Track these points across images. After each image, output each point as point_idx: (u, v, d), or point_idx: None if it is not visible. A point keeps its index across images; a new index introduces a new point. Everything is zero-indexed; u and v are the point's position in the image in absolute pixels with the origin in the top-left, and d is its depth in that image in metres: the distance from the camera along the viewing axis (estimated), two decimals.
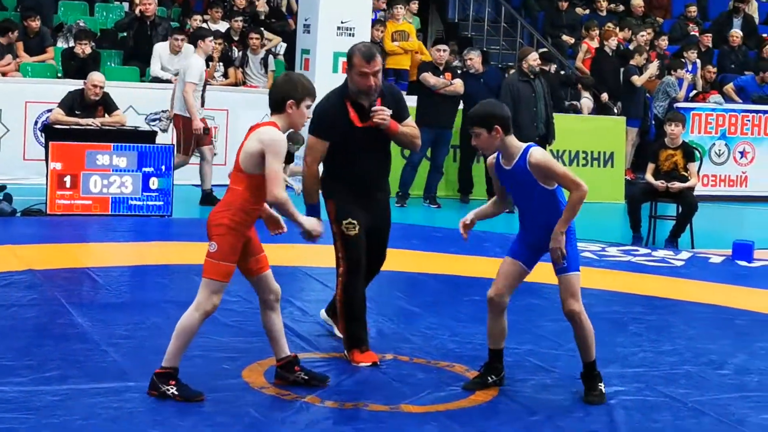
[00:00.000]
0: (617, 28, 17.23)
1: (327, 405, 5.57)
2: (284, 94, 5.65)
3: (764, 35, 19.67)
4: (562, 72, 16.57)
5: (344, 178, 6.54)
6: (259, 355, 6.43)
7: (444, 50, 14.03)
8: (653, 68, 15.87)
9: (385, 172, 6.76)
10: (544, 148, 13.67)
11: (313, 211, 6.47)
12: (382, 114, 6.42)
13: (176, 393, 5.53)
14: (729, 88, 17.14)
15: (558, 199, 5.78)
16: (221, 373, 6.06)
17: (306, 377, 5.89)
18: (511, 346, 6.82)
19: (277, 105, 5.67)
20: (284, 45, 16.40)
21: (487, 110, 5.81)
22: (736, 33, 18.60)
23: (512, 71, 14.88)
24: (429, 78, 13.52)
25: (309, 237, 5.79)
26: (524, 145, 5.83)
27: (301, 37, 14.69)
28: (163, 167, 11.72)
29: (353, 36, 14.20)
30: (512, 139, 5.82)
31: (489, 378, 6.03)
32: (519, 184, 5.80)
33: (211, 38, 13.25)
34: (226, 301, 7.77)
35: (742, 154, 16.52)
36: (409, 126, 6.67)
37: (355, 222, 6.48)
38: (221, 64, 15.41)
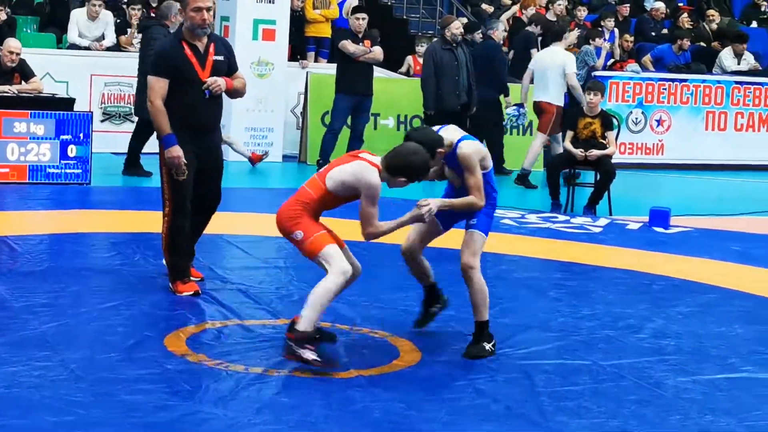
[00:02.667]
0: None
1: (252, 371, 5.57)
2: (403, 169, 5.74)
3: (681, 4, 19.93)
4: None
5: (180, 119, 6.95)
6: (182, 323, 6.42)
7: (363, 18, 13.98)
8: (572, 37, 15.97)
9: (218, 115, 7.27)
10: (466, 116, 13.79)
11: (169, 140, 6.92)
12: (217, 87, 7.00)
13: (316, 358, 5.59)
14: (647, 59, 17.33)
15: (489, 183, 6.07)
16: (144, 340, 6.03)
17: (317, 335, 5.94)
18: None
19: (391, 170, 5.75)
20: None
21: (428, 139, 5.90)
22: (660, 7, 18.78)
23: (434, 39, 14.89)
24: (348, 45, 13.50)
25: (421, 219, 6.00)
26: (458, 137, 6.08)
27: (221, 4, 14.56)
28: (82, 135, 11.59)
29: (273, 3, 14.13)
30: (449, 136, 6.05)
31: (433, 309, 6.49)
32: (454, 168, 6.08)
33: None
34: (146, 268, 7.77)
35: (659, 122, 16.73)
36: (239, 78, 7.27)
37: (185, 168, 6.94)
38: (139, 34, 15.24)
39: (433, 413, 5.13)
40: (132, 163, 12.54)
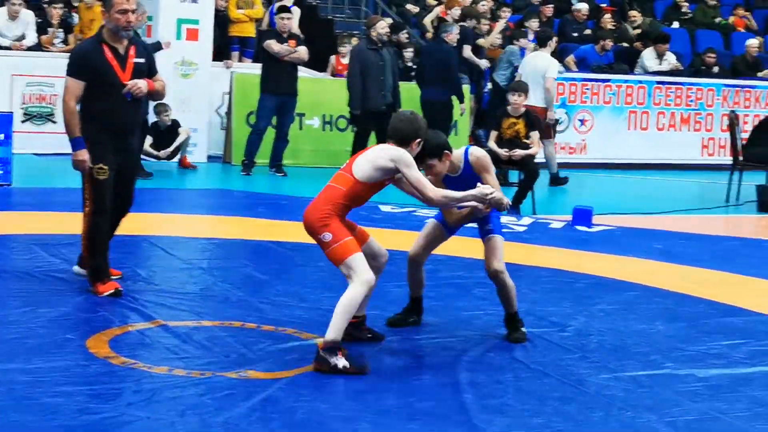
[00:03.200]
0: None
1: (174, 373, 5.53)
2: (413, 134, 5.94)
3: (603, 5, 20.12)
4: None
5: (100, 120, 6.99)
6: (104, 325, 6.35)
7: (288, 18, 13.97)
8: (496, 31, 16.06)
9: (138, 118, 7.40)
10: (391, 116, 13.76)
11: (77, 144, 6.96)
12: (138, 91, 7.03)
13: (346, 365, 5.62)
14: (570, 60, 17.48)
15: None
16: (65, 343, 5.96)
17: (369, 335, 6.30)
18: (356, 312, 6.88)
19: (404, 141, 5.94)
20: None
21: (436, 141, 6.16)
22: (583, 8, 18.94)
23: (360, 40, 14.89)
24: (273, 45, 13.46)
25: (498, 203, 6.14)
26: (462, 150, 6.44)
27: (144, 2, 14.43)
28: (2, 136, 11.44)
29: (196, 2, 14.06)
30: (454, 153, 6.31)
31: (410, 318, 6.70)
32: (465, 185, 6.17)
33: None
34: (68, 270, 7.68)
35: (582, 122, 16.90)
36: (159, 81, 7.30)
37: (106, 167, 7.01)
38: (61, 30, 15.08)
39: (357, 413, 5.12)
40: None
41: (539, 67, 14.22)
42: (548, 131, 13.85)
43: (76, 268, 7.56)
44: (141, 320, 6.53)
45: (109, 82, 6.99)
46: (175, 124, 13.67)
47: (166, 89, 7.44)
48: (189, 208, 11.16)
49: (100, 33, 7.15)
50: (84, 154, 6.96)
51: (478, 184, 6.08)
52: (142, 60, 7.15)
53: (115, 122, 7.07)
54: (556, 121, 14.88)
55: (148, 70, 7.22)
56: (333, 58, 16.31)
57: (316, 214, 5.81)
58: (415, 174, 5.82)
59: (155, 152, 13.52)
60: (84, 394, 5.13)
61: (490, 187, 6.06)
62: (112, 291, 7.05)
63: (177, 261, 8.37)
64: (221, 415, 4.98)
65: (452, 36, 14.57)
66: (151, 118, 13.35)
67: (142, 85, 7.05)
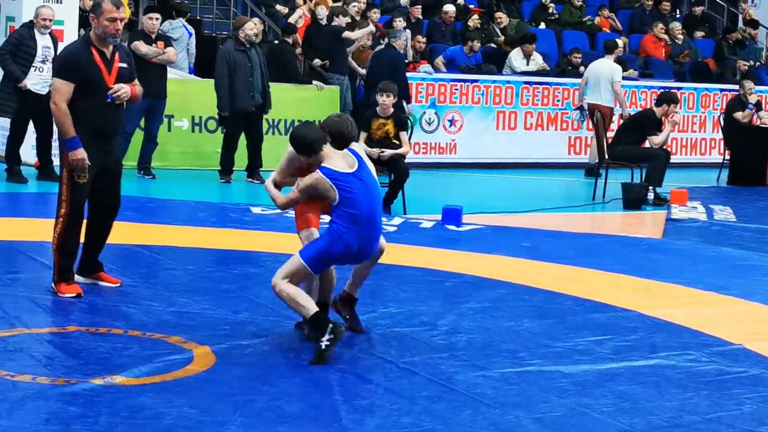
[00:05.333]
0: None
1: (38, 381, 5.42)
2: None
3: (471, 6, 20.31)
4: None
5: (84, 123, 7.06)
6: None
7: (156, 18, 13.80)
8: (370, 29, 16.09)
9: (121, 121, 7.48)
10: (261, 117, 13.78)
11: (73, 143, 7.04)
12: (124, 94, 7.18)
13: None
14: (439, 61, 17.60)
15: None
16: None
17: (348, 318, 6.66)
18: (228, 314, 6.84)
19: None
20: None
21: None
22: (450, 10, 19.08)
23: (228, 41, 14.78)
24: (141, 47, 13.28)
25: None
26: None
27: (6, 3, 14.15)
28: None
29: (61, 3, 13.79)
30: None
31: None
32: None
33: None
34: None
35: (452, 122, 17.02)
36: (137, 86, 7.44)
37: (85, 172, 7.07)
38: None
39: (226, 417, 5.08)
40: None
41: (604, 72, 16.39)
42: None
43: (78, 277, 7.50)
44: (4, 327, 6.38)
45: (96, 84, 7.12)
46: None
47: (141, 94, 7.53)
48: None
49: (88, 36, 7.31)
50: (82, 153, 7.04)
51: None
52: (125, 65, 7.32)
53: (99, 124, 7.17)
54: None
55: (130, 75, 7.38)
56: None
57: None
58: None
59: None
60: None
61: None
62: (74, 294, 7.13)
63: (39, 266, 8.20)
64: (85, 422, 4.89)
65: (400, 42, 15.17)
66: None
67: (127, 89, 7.22)
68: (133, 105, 7.71)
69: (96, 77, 7.14)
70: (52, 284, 7.27)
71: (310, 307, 6.06)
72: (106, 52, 7.21)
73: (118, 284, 7.53)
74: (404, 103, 14.52)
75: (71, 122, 7.08)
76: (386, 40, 15.30)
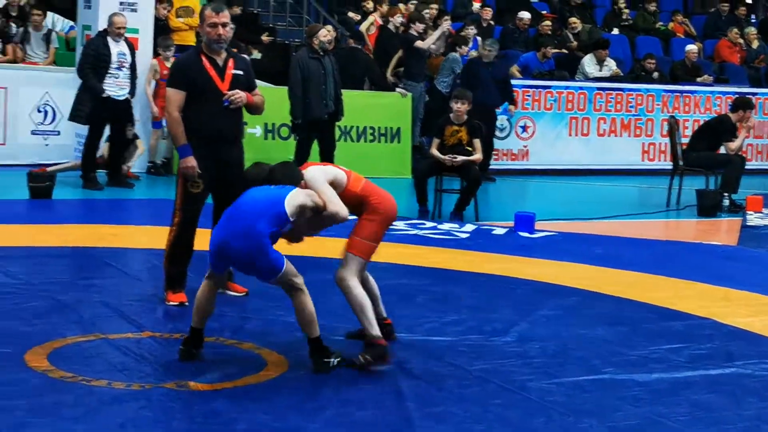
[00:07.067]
0: (402, 5, 17.45)
1: (114, 386, 5.48)
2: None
3: (544, 12, 20.23)
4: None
5: (198, 131, 7.10)
6: (42, 338, 6.27)
7: (231, 27, 13.88)
8: (442, 29, 16.08)
9: (238, 127, 7.48)
10: (334, 125, 13.83)
11: (184, 151, 7.11)
12: (238, 98, 7.15)
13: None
14: (515, 69, 17.53)
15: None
16: (2, 357, 5.88)
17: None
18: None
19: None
20: (69, 22, 16.00)
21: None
22: (525, 17, 19.03)
23: (301, 48, 14.86)
24: None
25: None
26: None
27: (83, 12, 14.35)
28: None
29: (136, 11, 13.96)
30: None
31: None
32: None
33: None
34: (5, 283, 7.60)
35: (524, 128, 16.96)
36: (258, 95, 7.42)
37: (199, 181, 7.12)
38: (0, 40, 14.94)
39: (299, 423, 5.10)
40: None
41: None
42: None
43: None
44: (80, 332, 6.47)
45: (208, 91, 7.12)
46: (134, 137, 13.54)
47: (264, 105, 7.48)
48: (133, 219, 11.08)
49: (199, 44, 7.38)
50: (192, 161, 7.09)
51: None
52: (241, 72, 7.28)
53: (214, 131, 7.17)
54: None
55: (247, 83, 7.33)
56: (156, 62, 14.60)
57: None
58: None
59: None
60: (22, 409, 5.08)
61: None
62: (177, 302, 7.18)
63: (115, 272, 8.30)
64: (160, 427, 4.94)
65: (494, 52, 15.29)
66: None
67: (241, 94, 7.18)
68: (255, 114, 7.58)
69: (206, 84, 7.14)
70: (164, 291, 7.34)
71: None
72: (217, 60, 7.22)
73: (245, 293, 7.52)
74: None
75: (183, 131, 7.11)
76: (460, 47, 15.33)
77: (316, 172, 6.04)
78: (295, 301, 5.84)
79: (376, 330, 6.00)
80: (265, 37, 16.95)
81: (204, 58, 7.22)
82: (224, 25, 7.18)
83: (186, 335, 6.05)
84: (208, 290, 5.96)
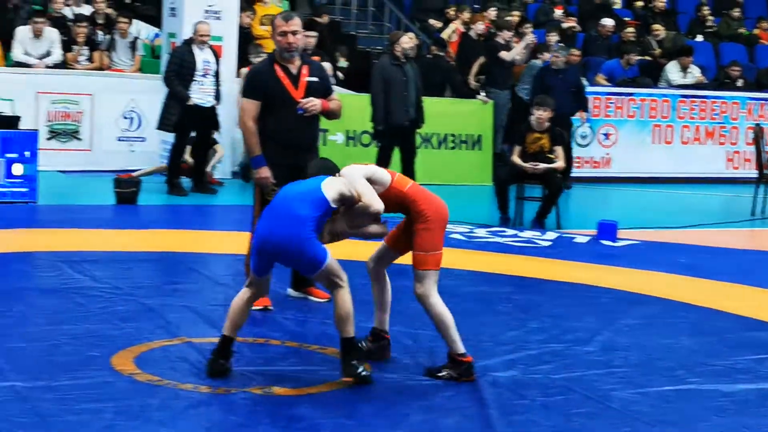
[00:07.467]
0: (484, 12, 17.44)
1: (200, 390, 5.54)
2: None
3: (626, 18, 20.08)
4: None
5: (274, 139, 7.11)
6: (129, 341, 6.36)
7: (313, 36, 13.99)
8: (527, 41, 16.03)
9: (314, 135, 7.42)
10: (415, 131, 13.86)
11: (258, 162, 7.18)
12: (312, 107, 7.13)
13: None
14: (600, 77, 17.41)
15: None
16: (90, 360, 5.97)
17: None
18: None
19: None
20: (154, 30, 16.21)
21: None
22: (608, 24, 18.91)
23: (383, 56, 14.91)
24: None
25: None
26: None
27: (168, 20, 14.54)
28: (28, 153, 11.51)
29: (220, 19, 14.11)
30: None
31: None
32: None
33: None
34: (93, 287, 7.71)
35: (606, 136, 16.85)
36: (334, 101, 7.38)
37: (276, 189, 6.97)
38: (86, 48, 15.17)
39: (382, 429, 5.12)
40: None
41: None
42: None
43: (291, 291, 7.66)
44: (166, 336, 6.55)
45: (282, 100, 7.14)
46: (213, 141, 13.72)
47: (341, 110, 7.45)
48: (217, 224, 11.19)
49: (272, 53, 7.38)
50: (266, 171, 7.15)
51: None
52: (315, 79, 7.28)
53: (289, 139, 7.19)
54: None
55: (323, 90, 7.33)
56: (246, 70, 15.47)
57: None
58: None
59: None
60: (110, 411, 5.15)
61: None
62: (261, 307, 7.19)
63: (200, 276, 8.39)
64: None
65: (562, 58, 15.11)
66: None
67: (316, 102, 7.17)
68: (332, 119, 7.55)
69: (280, 93, 7.16)
70: None
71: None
72: (291, 68, 7.23)
73: (327, 299, 7.49)
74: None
75: (257, 141, 7.15)
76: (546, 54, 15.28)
77: (354, 167, 6.03)
78: (335, 298, 5.77)
79: (460, 347, 5.93)
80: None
81: (277, 67, 7.24)
82: (294, 33, 7.18)
83: (217, 345, 5.86)
84: (245, 299, 5.84)
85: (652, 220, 12.68)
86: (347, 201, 5.74)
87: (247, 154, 7.51)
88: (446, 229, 6.05)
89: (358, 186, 5.80)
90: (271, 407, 5.34)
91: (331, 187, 5.70)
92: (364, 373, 5.73)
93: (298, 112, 7.14)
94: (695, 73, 17.97)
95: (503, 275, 9.03)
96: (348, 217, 5.87)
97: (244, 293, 5.86)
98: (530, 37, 16.21)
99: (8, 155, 11.44)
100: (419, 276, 5.94)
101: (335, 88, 15.14)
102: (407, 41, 13.68)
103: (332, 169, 5.91)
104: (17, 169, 11.48)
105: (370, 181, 5.91)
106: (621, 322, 7.48)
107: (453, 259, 9.28)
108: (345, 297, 5.74)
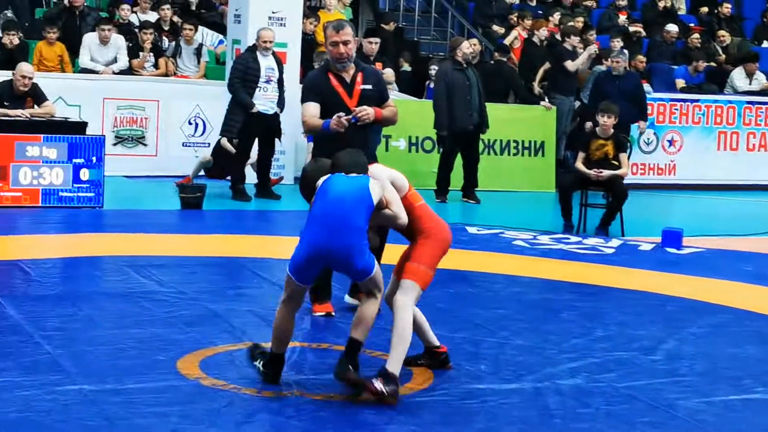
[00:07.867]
0: (549, 18, 17.39)
1: (263, 394, 5.57)
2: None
3: (691, 24, 19.92)
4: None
5: (326, 147, 6.93)
6: (194, 346, 6.42)
7: (375, 42, 13.99)
8: (590, 51, 15.95)
9: (366, 142, 7.26)
10: (478, 137, 13.85)
11: (325, 124, 7.12)
12: (366, 115, 7.10)
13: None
14: (680, 83, 17.29)
15: None
16: (156, 364, 6.03)
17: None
18: (445, 333, 6.87)
19: None
20: (219, 36, 16.33)
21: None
22: (673, 30, 18.77)
23: (444, 61, 14.91)
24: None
25: None
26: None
27: (232, 27, 14.64)
28: (94, 158, 11.63)
29: (284, 26, 14.18)
30: None
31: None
32: None
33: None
34: (158, 292, 7.78)
35: (671, 142, 16.72)
36: (389, 107, 7.38)
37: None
38: (152, 54, 15.31)
39: None
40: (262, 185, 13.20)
41: None
42: None
43: (348, 298, 7.68)
44: (231, 341, 6.59)
45: (336, 108, 7.12)
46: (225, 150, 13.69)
47: (397, 116, 7.47)
48: (280, 229, 11.24)
49: (327, 62, 7.37)
50: (336, 118, 7.05)
51: None
52: (369, 86, 7.29)
53: (342, 147, 6.95)
54: None
55: (378, 97, 7.34)
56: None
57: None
58: None
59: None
60: (176, 415, 5.19)
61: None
62: (324, 313, 7.29)
63: (263, 281, 8.44)
64: None
65: (623, 63, 15.03)
66: None
67: (369, 111, 7.15)
68: (386, 126, 7.51)
69: (334, 101, 7.17)
70: (310, 303, 7.32)
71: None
72: (344, 76, 7.23)
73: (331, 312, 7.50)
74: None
75: (320, 121, 7.15)
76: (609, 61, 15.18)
77: (380, 168, 6.00)
78: (364, 303, 5.77)
79: (398, 368, 5.67)
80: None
81: (331, 76, 7.24)
82: (345, 43, 7.11)
83: (268, 358, 5.82)
84: (287, 314, 5.79)
85: (717, 228, 12.56)
86: (379, 206, 5.77)
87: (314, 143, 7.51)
88: (447, 252, 6.06)
89: (388, 193, 5.84)
90: (336, 413, 5.36)
91: (375, 193, 5.73)
92: (355, 379, 5.65)
93: (352, 121, 7.12)
94: (761, 80, 17.78)
95: (567, 282, 8.99)
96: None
97: (283, 310, 5.79)
98: (593, 48, 16.12)
99: (75, 161, 11.57)
100: (405, 285, 5.87)
101: (397, 94, 15.27)
102: (468, 46, 13.68)
103: (365, 166, 5.92)
104: (84, 174, 11.61)
105: (392, 184, 5.93)
106: (686, 330, 7.42)
107: (517, 266, 9.28)
108: (373, 307, 5.78)
